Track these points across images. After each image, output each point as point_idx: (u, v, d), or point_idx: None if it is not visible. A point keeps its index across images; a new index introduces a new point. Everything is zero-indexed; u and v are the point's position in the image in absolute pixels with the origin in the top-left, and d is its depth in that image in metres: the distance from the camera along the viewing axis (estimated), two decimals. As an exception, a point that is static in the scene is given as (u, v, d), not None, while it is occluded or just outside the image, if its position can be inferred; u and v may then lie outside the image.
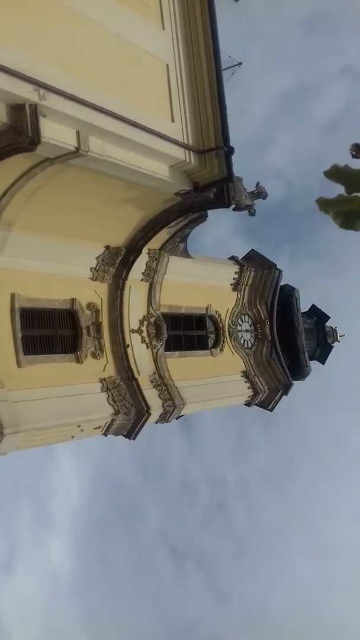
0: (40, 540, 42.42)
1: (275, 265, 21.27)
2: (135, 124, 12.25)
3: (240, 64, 19.26)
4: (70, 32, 11.42)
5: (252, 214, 16.79)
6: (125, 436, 16.00)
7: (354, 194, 3.87)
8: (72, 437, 14.48)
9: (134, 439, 15.98)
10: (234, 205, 15.65)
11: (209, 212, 16.37)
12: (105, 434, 15.53)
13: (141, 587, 40.25)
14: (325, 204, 3.89)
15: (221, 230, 44.16)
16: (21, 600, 38.43)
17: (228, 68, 17.02)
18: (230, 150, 13.87)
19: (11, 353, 13.36)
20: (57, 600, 38.79)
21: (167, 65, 13.61)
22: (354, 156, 4.08)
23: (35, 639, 36.78)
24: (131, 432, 15.84)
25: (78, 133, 11.41)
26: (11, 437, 12.05)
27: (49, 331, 14.68)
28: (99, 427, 15.13)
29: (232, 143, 13.85)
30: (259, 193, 17.40)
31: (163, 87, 13.54)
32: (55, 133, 10.91)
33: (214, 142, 13.98)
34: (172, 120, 13.59)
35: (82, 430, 14.43)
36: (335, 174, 3.87)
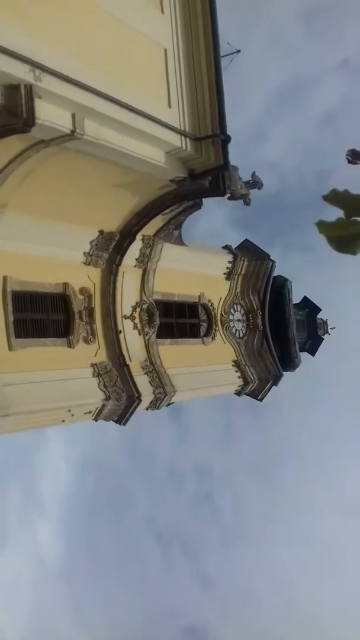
0: (28, 523, 42.64)
1: (269, 255, 21.28)
2: (131, 108, 12.16)
3: (238, 51, 19.13)
4: (68, 13, 11.27)
5: (247, 203, 16.71)
6: (116, 422, 16.04)
7: (353, 219, 3.85)
8: (63, 421, 14.51)
9: (124, 424, 16.02)
10: (229, 194, 15.58)
11: (204, 200, 16.33)
12: (95, 419, 15.56)
13: (127, 571, 40.66)
14: (324, 227, 3.87)
15: (216, 219, 44.11)
16: (8, 580, 38.64)
17: (226, 55, 16.87)
18: (226, 139, 13.79)
19: (2, 336, 13.33)
20: (44, 582, 39.08)
21: (166, 50, 13.49)
22: (349, 162, 4.05)
23: (21, 619, 37.05)
24: (122, 418, 15.87)
25: (74, 115, 11.31)
26: (0, 420, 12.06)
27: (41, 315, 14.65)
28: (90, 412, 15.16)
29: (228, 131, 13.77)
30: (255, 183, 17.33)
31: (161, 72, 13.43)
32: (51, 115, 10.81)
33: (210, 129, 13.90)
34: (169, 106, 13.50)
35: (72, 415, 14.45)
36: (334, 198, 3.86)
